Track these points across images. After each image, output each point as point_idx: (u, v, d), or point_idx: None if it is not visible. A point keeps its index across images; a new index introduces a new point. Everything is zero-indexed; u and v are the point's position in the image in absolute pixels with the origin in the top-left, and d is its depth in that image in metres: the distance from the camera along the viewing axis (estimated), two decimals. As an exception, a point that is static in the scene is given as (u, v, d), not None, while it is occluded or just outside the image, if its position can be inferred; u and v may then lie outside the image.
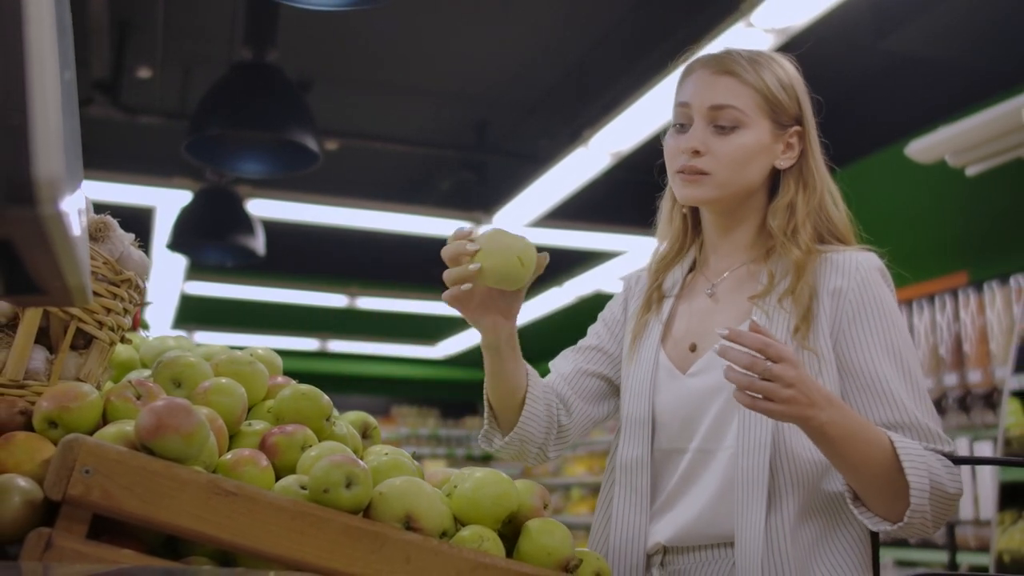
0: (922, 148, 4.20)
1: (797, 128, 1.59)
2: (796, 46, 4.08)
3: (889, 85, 6.09)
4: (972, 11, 5.09)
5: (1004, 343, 4.47)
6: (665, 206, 1.74)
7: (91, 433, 1.19)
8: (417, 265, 10.50)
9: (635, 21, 5.75)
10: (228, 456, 1.25)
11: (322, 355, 11.49)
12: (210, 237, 4.82)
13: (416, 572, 1.17)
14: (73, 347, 1.39)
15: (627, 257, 7.75)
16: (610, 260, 7.94)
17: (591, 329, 1.84)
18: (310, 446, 1.33)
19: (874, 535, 1.53)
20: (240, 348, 1.64)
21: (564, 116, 6.80)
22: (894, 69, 5.86)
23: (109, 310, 1.40)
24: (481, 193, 7.53)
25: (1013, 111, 3.73)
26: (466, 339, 11.33)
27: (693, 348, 1.60)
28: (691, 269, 1.72)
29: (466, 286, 1.42)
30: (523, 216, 6.61)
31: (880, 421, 1.47)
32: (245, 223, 4.83)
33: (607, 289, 8.74)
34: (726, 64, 1.56)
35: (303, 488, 1.22)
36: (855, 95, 6.13)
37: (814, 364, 1.49)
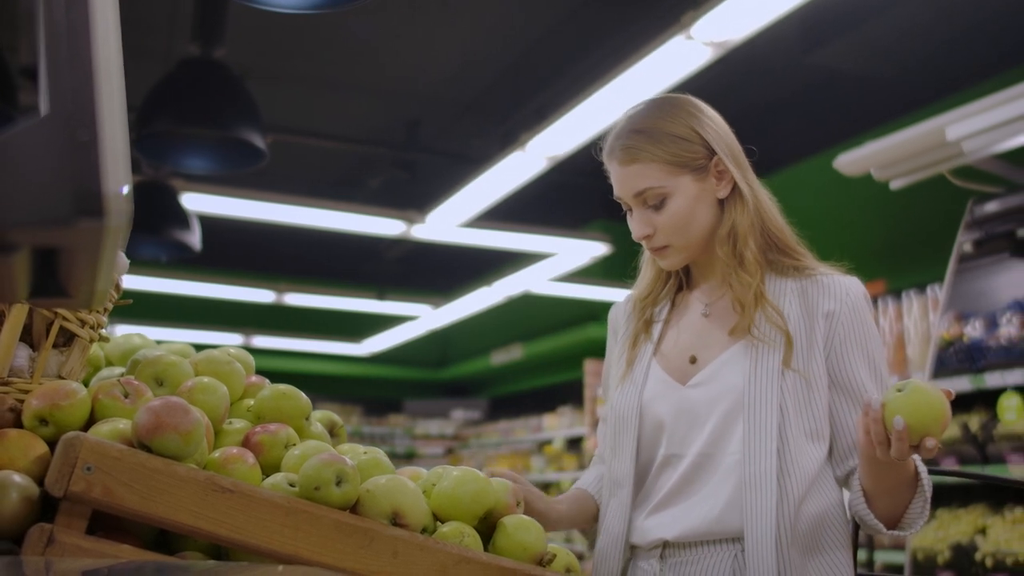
0: (849, 161, 4.34)
1: (716, 158, 1.69)
2: (732, 58, 4.23)
3: (820, 98, 6.28)
4: (898, 31, 5.29)
5: (921, 350, 4.65)
6: (645, 253, 1.84)
7: (82, 430, 1.21)
8: (345, 262, 10.50)
9: (570, 27, 5.84)
10: (216, 454, 1.28)
11: (246, 351, 11.36)
12: (145, 231, 4.76)
13: (403, 566, 1.22)
14: (54, 345, 1.41)
15: (557, 259, 7.83)
16: (540, 261, 8.01)
17: (605, 379, 1.93)
18: (293, 445, 1.37)
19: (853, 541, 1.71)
20: (206, 347, 1.66)
21: (496, 117, 6.85)
22: (826, 83, 6.05)
23: (91, 309, 1.42)
24: (412, 192, 7.54)
25: (937, 128, 3.89)
26: (391, 337, 11.32)
27: (693, 360, 1.70)
28: (679, 289, 1.83)
29: None
30: (457, 216, 6.65)
31: None
32: (181, 217, 4.77)
33: (536, 290, 8.82)
34: (628, 153, 1.67)
35: (291, 485, 1.26)
36: (788, 106, 6.31)
37: (804, 383, 1.62)
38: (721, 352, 1.67)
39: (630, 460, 1.69)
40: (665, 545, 1.64)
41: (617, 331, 1.87)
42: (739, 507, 1.58)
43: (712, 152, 1.68)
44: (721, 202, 1.71)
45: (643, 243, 1.73)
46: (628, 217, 1.73)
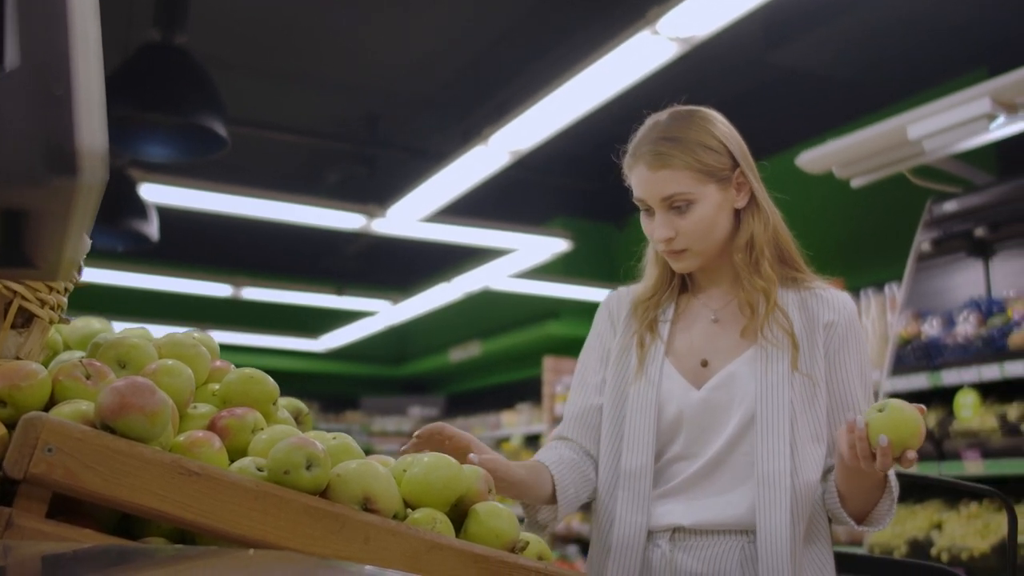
0: (811, 159, 4.38)
1: (739, 169, 1.78)
2: (696, 54, 4.24)
3: (783, 96, 6.32)
4: (861, 31, 5.33)
5: (879, 348, 4.69)
6: (650, 253, 1.91)
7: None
8: (304, 257, 10.40)
9: (534, 21, 5.82)
10: (182, 438, 1.24)
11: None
12: (100, 221, 4.66)
13: (374, 552, 1.19)
14: (12, 326, 1.36)
15: (517, 255, 7.80)
16: (499, 257, 7.97)
17: (585, 362, 1.95)
18: (261, 429, 1.34)
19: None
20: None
21: (456, 113, 6.81)
22: (789, 81, 6.08)
23: (52, 288, 1.37)
24: (371, 187, 7.47)
25: (898, 127, 3.93)
26: (348, 333, 11.23)
27: (705, 364, 1.78)
28: (682, 291, 1.90)
29: None
30: (417, 211, 6.59)
31: None
32: (138, 207, 4.68)
33: (495, 286, 8.79)
34: (660, 159, 1.74)
35: (260, 470, 1.22)
36: (751, 103, 6.34)
37: (809, 387, 1.73)
38: (732, 357, 1.76)
39: (647, 454, 1.76)
40: (676, 529, 1.73)
41: (617, 322, 1.91)
42: (753, 504, 1.68)
43: (735, 163, 1.77)
44: (737, 212, 1.80)
45: (661, 245, 1.79)
46: (644, 219, 1.80)
